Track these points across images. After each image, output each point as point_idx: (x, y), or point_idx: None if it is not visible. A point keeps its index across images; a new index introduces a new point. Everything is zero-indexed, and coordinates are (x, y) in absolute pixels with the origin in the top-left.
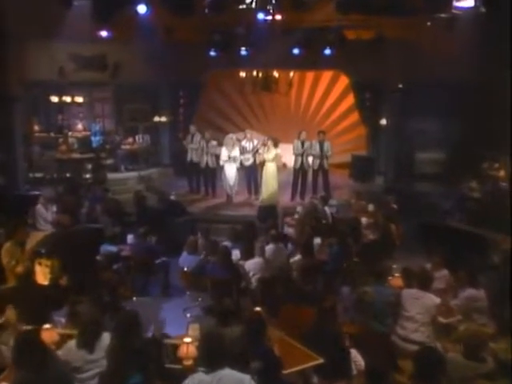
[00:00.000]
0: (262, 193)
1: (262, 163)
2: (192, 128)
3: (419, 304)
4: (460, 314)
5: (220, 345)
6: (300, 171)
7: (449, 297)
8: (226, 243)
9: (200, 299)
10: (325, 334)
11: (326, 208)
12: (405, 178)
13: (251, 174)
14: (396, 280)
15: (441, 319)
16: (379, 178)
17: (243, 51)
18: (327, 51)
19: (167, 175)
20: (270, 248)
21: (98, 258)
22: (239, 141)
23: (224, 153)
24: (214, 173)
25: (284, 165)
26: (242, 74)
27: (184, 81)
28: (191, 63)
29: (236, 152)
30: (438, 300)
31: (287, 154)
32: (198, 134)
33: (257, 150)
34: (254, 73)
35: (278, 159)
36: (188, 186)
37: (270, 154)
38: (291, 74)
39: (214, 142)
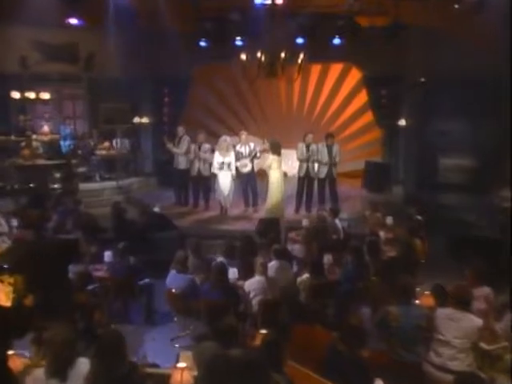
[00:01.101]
0: (267, 204)
1: (262, 171)
2: (180, 130)
3: (457, 326)
4: (506, 339)
5: (226, 371)
6: (305, 180)
7: (491, 319)
8: (220, 259)
9: (191, 327)
10: (345, 360)
11: (337, 221)
12: (427, 187)
13: (249, 182)
14: (426, 299)
15: (483, 345)
16: (397, 187)
17: (238, 41)
18: (336, 40)
19: (150, 185)
20: (272, 265)
21: (71, 276)
22: (234, 146)
23: (217, 158)
24: (206, 182)
25: (284, 173)
26: (243, 57)
27: (169, 76)
28: (178, 55)
29: (231, 157)
30: (479, 322)
31: (289, 160)
32: (186, 137)
33: (255, 155)
34: (258, 54)
35: (278, 165)
36: (175, 197)
37: (267, 161)
38: (301, 55)
39: (207, 146)
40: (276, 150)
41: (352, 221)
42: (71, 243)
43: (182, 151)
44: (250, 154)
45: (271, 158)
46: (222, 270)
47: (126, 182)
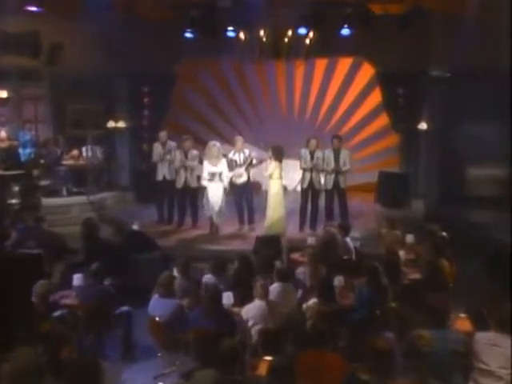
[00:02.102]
0: (266, 220)
1: (257, 183)
2: (162, 135)
3: (501, 353)
4: None
5: None
6: (309, 192)
7: None
8: (208, 276)
9: (178, 362)
10: None
11: (348, 239)
12: (452, 201)
13: (244, 195)
14: (461, 322)
15: None
16: (417, 202)
17: (230, 32)
18: (344, 31)
19: (126, 201)
20: (274, 288)
21: (34, 300)
22: (225, 155)
23: (206, 167)
24: (194, 194)
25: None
26: (241, 37)
27: (150, 73)
28: (159, 49)
29: (222, 165)
30: None
31: (289, 172)
32: (170, 144)
33: (250, 162)
34: (261, 33)
35: (280, 174)
36: (157, 213)
37: (269, 168)
38: (310, 34)
39: (195, 152)
40: (278, 155)
41: (365, 240)
42: (33, 259)
43: (167, 159)
44: (244, 162)
45: (274, 165)
46: (215, 294)
47: (99, 196)
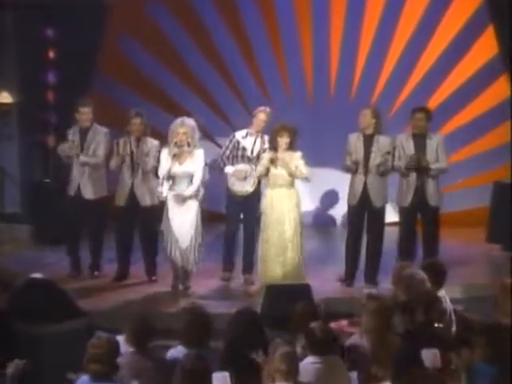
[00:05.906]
0: (259, 268)
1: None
2: (83, 113)
3: None
4: None
5: None
6: (364, 213)
7: None
8: (179, 350)
9: None
10: None
11: (443, 294)
12: None
13: (246, 219)
14: None
15: None
16: None
17: None
18: None
19: (16, 240)
20: (309, 364)
21: None
22: (231, 140)
23: (164, 165)
24: (150, 217)
25: None
26: None
27: (58, 3)
28: None
29: (196, 162)
30: None
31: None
32: (101, 131)
33: (258, 156)
34: None
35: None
36: (70, 259)
37: (289, 164)
38: None
39: (155, 143)
40: (290, 139)
41: (471, 301)
42: None
43: (93, 161)
44: (259, 155)
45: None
46: (200, 373)
47: None
